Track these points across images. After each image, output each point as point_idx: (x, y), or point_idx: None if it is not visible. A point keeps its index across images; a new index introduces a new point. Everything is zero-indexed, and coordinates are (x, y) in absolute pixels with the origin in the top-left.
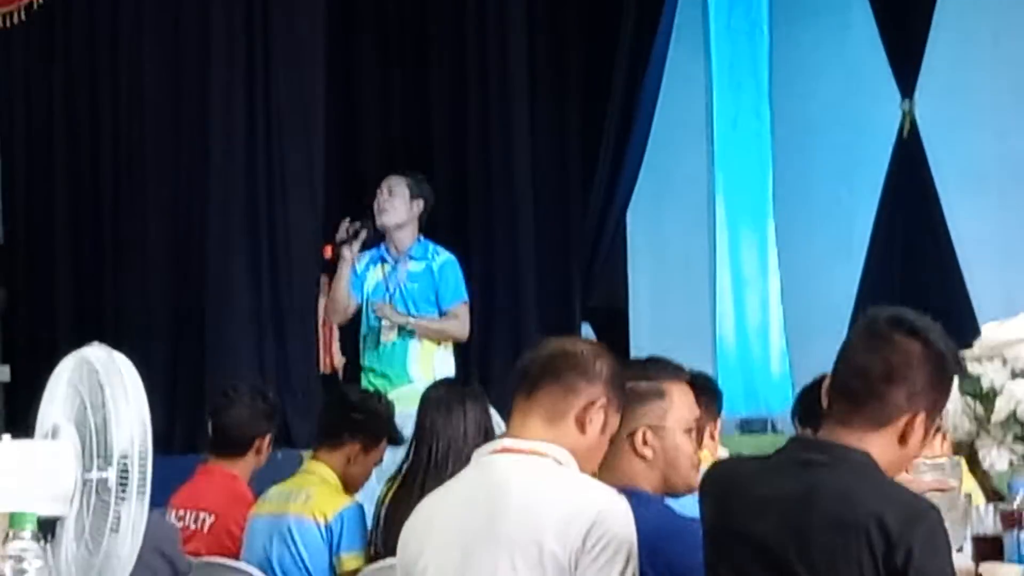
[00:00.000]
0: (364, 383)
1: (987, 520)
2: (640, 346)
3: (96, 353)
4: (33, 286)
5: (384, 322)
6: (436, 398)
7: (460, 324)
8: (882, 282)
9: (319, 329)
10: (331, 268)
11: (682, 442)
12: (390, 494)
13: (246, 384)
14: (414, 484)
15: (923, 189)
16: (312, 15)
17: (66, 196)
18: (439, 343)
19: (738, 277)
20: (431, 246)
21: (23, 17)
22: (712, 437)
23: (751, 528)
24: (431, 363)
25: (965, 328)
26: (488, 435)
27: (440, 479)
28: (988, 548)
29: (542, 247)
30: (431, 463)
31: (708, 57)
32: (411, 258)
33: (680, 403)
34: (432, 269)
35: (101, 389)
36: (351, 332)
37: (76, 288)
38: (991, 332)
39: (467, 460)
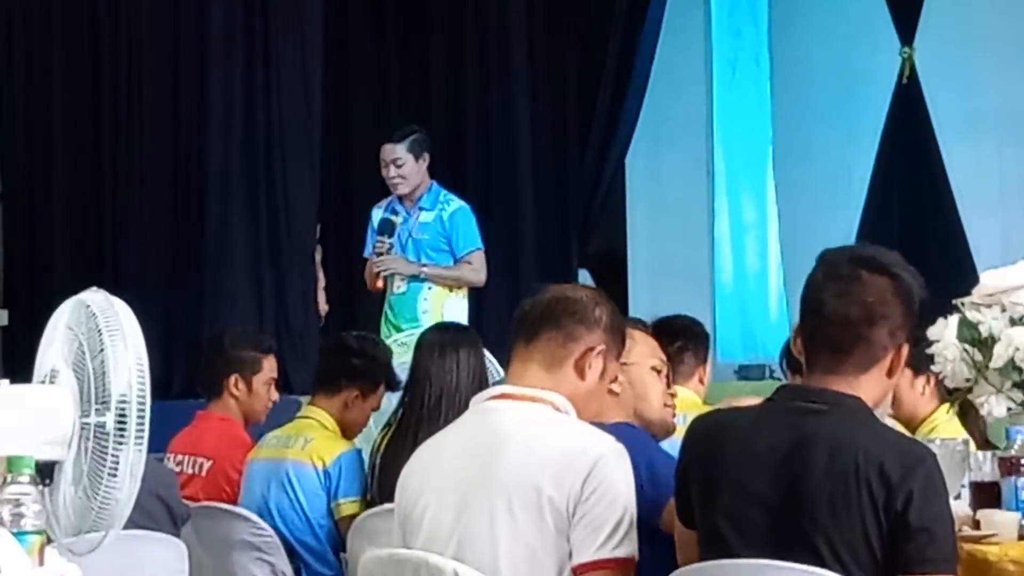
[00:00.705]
0: (382, 329)
1: (985, 467)
2: (638, 292)
3: (94, 298)
4: (31, 231)
5: (395, 275)
6: (429, 343)
7: (474, 270)
8: (880, 228)
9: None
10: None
11: (649, 378)
12: (385, 440)
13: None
14: (408, 430)
15: (922, 136)
16: None
17: (64, 143)
18: (451, 290)
19: (737, 223)
20: (442, 194)
21: None
22: (701, 381)
23: (748, 479)
24: (440, 309)
25: (963, 275)
26: (482, 380)
27: (433, 424)
28: (986, 495)
29: (540, 193)
30: (424, 408)
31: (707, 3)
32: (421, 208)
33: (642, 342)
34: (442, 218)
35: (99, 334)
36: (339, 278)
37: (74, 233)
38: (989, 279)
39: (461, 405)
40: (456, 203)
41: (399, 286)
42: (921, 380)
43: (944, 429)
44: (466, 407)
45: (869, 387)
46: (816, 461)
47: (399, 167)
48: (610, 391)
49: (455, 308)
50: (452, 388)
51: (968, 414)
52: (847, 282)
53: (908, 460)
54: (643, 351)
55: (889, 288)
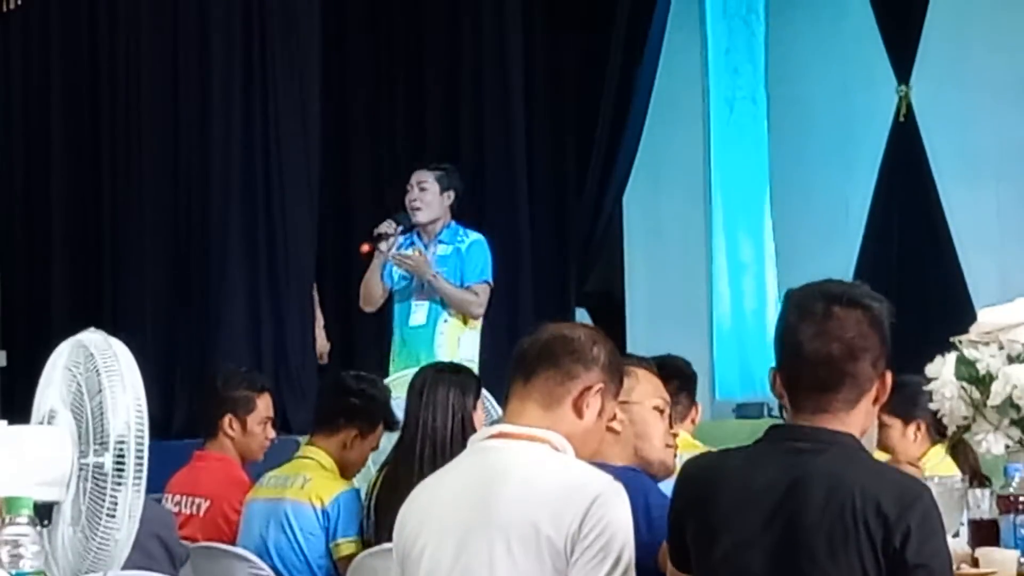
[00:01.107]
0: (396, 364)
1: (983, 504)
2: (636, 331)
3: (93, 338)
4: (30, 271)
5: (414, 304)
6: (413, 383)
7: (477, 302)
8: (878, 266)
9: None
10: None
11: (651, 418)
12: (379, 480)
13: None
14: (398, 470)
15: (919, 174)
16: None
17: (61, 179)
18: (465, 323)
19: (734, 262)
20: (461, 229)
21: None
22: (692, 422)
23: (744, 521)
24: (456, 345)
25: (961, 313)
26: (462, 418)
27: (418, 465)
28: (984, 532)
29: (537, 231)
30: (411, 449)
31: (704, 41)
32: (440, 242)
33: (645, 381)
34: (460, 250)
35: (97, 374)
36: (338, 317)
37: (73, 273)
38: (987, 317)
39: (443, 445)
40: (474, 235)
41: (418, 317)
42: (912, 427)
43: (939, 469)
44: (449, 447)
45: (858, 420)
46: (813, 500)
47: (422, 191)
48: (610, 428)
49: (468, 343)
50: (428, 427)
51: (958, 449)
52: (822, 321)
53: (905, 497)
54: (646, 390)
55: (864, 320)
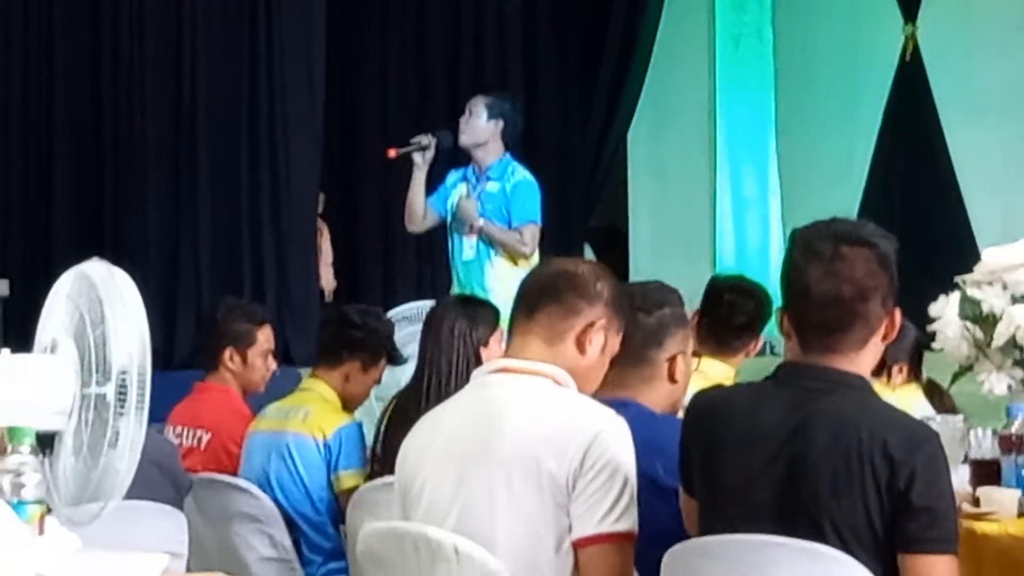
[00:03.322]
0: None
1: (985, 444)
2: (640, 267)
3: (95, 268)
4: (30, 200)
5: (464, 240)
6: (428, 315)
7: (521, 241)
8: (882, 204)
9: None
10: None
11: (691, 367)
12: (387, 412)
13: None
14: (404, 402)
15: (924, 113)
16: None
17: (63, 109)
18: (515, 262)
19: (738, 199)
20: (511, 166)
21: None
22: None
23: (749, 457)
24: (506, 281)
25: (965, 253)
26: (469, 351)
27: (418, 396)
28: (985, 472)
29: (541, 169)
30: (415, 380)
31: None
32: (489, 178)
33: (690, 328)
34: (505, 189)
35: (100, 304)
36: (345, 254)
37: (75, 203)
38: (991, 257)
39: (446, 377)
40: (521, 174)
41: (468, 253)
42: (895, 369)
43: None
44: (454, 380)
45: (867, 358)
46: (819, 439)
47: (471, 115)
48: (675, 380)
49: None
50: (436, 361)
51: (933, 391)
52: (830, 261)
53: (912, 439)
54: (691, 341)
55: (873, 259)
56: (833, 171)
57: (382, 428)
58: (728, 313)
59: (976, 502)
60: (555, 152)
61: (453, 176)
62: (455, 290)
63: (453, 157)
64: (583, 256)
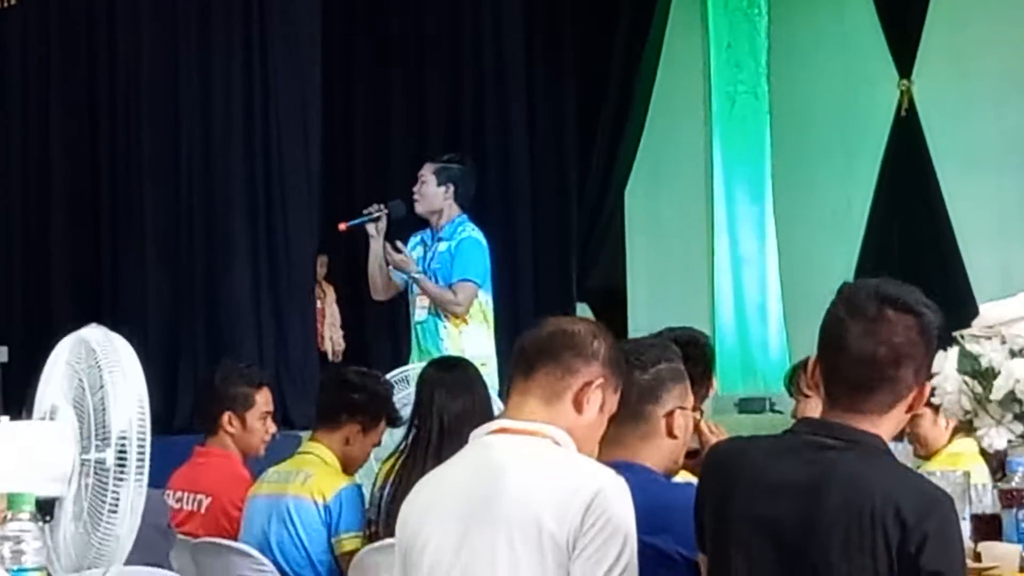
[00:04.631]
0: (412, 359)
1: (985, 499)
2: (638, 325)
3: (94, 334)
4: (29, 267)
5: (417, 301)
6: (424, 379)
7: (455, 301)
8: (880, 260)
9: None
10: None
11: (691, 421)
12: (393, 471)
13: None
14: (415, 464)
15: (921, 168)
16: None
17: (62, 177)
18: (466, 322)
19: (736, 256)
20: (463, 226)
21: None
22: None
23: (763, 512)
24: (459, 341)
25: (963, 307)
26: (483, 414)
27: (433, 460)
28: (987, 527)
29: (539, 226)
30: (427, 444)
31: (706, 36)
32: (440, 239)
33: (688, 382)
34: (451, 248)
35: (99, 370)
36: (349, 314)
37: (73, 269)
38: (989, 311)
39: (456, 440)
40: (468, 233)
41: (420, 314)
42: (942, 415)
43: (951, 457)
44: (461, 441)
45: (890, 424)
46: (832, 498)
47: (422, 183)
48: (674, 436)
49: (473, 341)
50: (446, 424)
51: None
52: (873, 321)
53: (925, 503)
54: (690, 396)
55: (915, 327)
56: (831, 227)
57: (375, 492)
58: None
59: (978, 557)
60: (552, 212)
61: (413, 240)
62: (414, 352)
63: (416, 222)
64: (580, 315)
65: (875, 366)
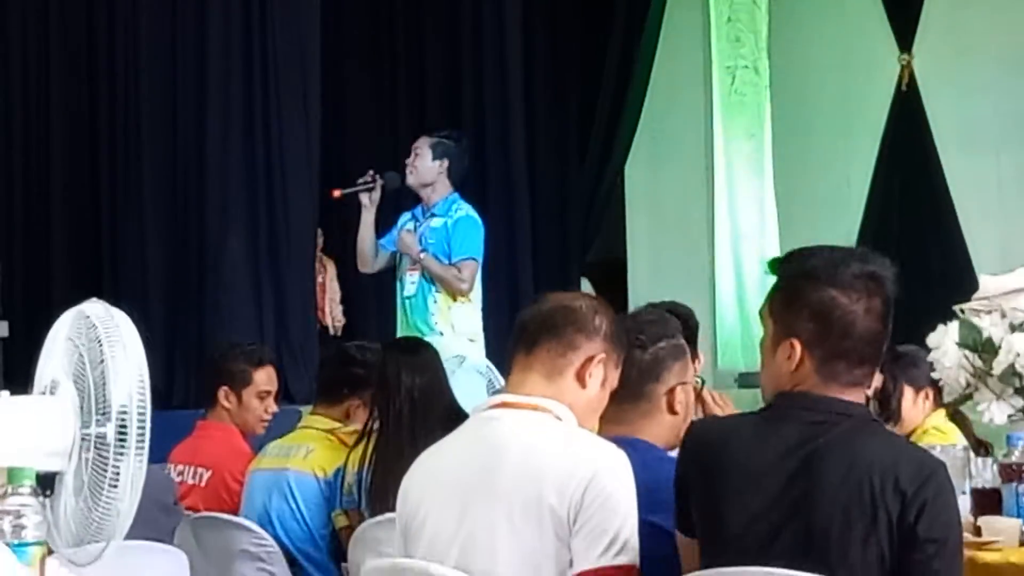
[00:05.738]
0: (400, 334)
1: (986, 473)
2: (639, 300)
3: (94, 309)
4: (30, 241)
5: (407, 276)
6: (380, 360)
7: (458, 278)
8: (880, 235)
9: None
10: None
11: (692, 396)
12: (367, 457)
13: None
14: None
15: (921, 142)
16: None
17: (62, 151)
18: (454, 298)
19: (736, 231)
20: (456, 203)
21: None
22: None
23: (754, 493)
24: (448, 317)
25: (963, 281)
26: (415, 398)
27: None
28: (987, 501)
29: (539, 202)
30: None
31: (706, 10)
32: (433, 215)
33: (688, 356)
34: (447, 225)
35: (99, 344)
36: (345, 288)
37: (73, 244)
38: (989, 285)
39: (402, 418)
40: (464, 211)
41: (410, 289)
42: (921, 395)
43: (942, 431)
44: (433, 418)
45: (863, 392)
46: (829, 476)
47: (416, 155)
48: (675, 412)
49: (462, 317)
50: (417, 401)
51: (957, 417)
52: (868, 298)
53: (922, 472)
54: (692, 370)
55: (887, 300)
56: (831, 201)
57: (352, 477)
58: None
59: (978, 531)
60: (552, 187)
61: (404, 217)
62: (401, 327)
63: (405, 197)
64: (581, 290)
65: (877, 343)
